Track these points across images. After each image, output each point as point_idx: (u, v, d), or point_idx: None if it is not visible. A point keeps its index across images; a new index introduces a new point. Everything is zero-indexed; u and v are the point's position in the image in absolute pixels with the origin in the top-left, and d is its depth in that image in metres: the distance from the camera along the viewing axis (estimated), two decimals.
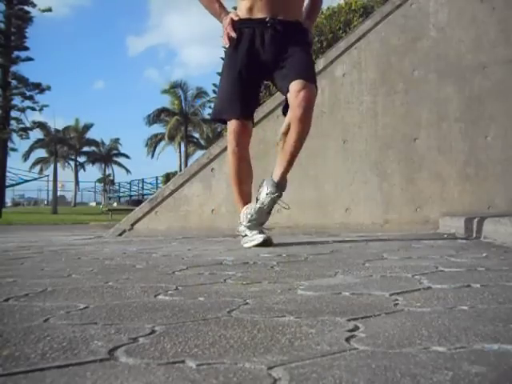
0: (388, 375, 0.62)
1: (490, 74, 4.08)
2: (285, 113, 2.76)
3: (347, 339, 0.79)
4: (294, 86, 2.59)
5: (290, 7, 2.74)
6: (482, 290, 1.22)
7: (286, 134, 2.66)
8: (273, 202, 2.68)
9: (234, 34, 2.73)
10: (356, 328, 0.87)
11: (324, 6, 8.36)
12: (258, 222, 2.69)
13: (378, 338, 0.80)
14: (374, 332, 0.84)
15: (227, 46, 2.80)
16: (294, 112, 2.59)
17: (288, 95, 2.64)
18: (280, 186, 2.68)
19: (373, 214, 4.03)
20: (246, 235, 2.72)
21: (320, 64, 4.16)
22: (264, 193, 2.69)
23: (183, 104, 41.61)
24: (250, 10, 2.73)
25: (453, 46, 4.15)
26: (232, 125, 2.78)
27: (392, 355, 0.71)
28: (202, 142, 41.94)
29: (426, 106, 4.11)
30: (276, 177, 2.68)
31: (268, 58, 2.72)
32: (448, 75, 4.12)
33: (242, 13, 2.76)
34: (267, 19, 2.69)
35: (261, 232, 2.67)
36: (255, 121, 4.12)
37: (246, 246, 2.64)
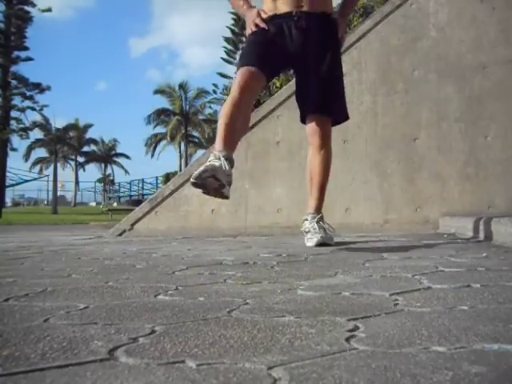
0: (388, 375, 0.62)
1: (490, 74, 4.08)
2: (302, 121, 2.87)
3: (347, 339, 0.79)
4: (310, 119, 2.76)
5: None
6: (482, 290, 1.22)
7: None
8: (321, 224, 2.72)
9: (263, 25, 2.67)
10: (356, 328, 0.87)
11: None
12: (315, 237, 2.66)
13: (378, 337, 0.80)
14: (374, 332, 0.84)
15: (252, 31, 2.71)
16: (313, 142, 2.77)
17: (306, 122, 2.79)
18: (319, 213, 2.77)
19: (373, 214, 4.03)
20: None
21: None
22: (308, 223, 2.73)
23: (183, 104, 41.63)
24: (275, 1, 2.70)
25: (453, 46, 4.15)
26: (246, 71, 2.58)
27: (392, 355, 0.71)
28: (203, 141, 41.95)
29: (425, 106, 4.11)
30: (312, 209, 2.76)
31: (295, 50, 2.68)
32: (448, 75, 4.12)
33: (268, 5, 2.73)
34: (294, 13, 2.66)
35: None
36: (254, 121, 4.15)
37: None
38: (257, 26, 2.70)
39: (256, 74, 2.56)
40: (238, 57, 2.86)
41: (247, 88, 2.54)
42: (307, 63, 2.73)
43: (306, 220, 2.76)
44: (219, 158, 2.23)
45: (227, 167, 2.22)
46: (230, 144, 2.41)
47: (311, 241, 2.65)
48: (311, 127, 2.76)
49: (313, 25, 2.68)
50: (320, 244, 2.60)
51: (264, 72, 2.61)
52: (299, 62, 2.74)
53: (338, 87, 2.82)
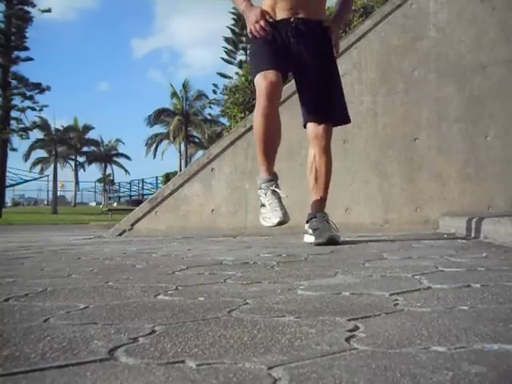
0: (388, 375, 0.62)
1: (490, 74, 4.08)
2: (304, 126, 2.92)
3: (347, 339, 0.79)
4: (313, 125, 2.82)
5: (310, 5, 2.76)
6: (482, 289, 1.22)
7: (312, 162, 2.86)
8: (328, 222, 2.79)
9: (268, 29, 2.71)
10: (356, 328, 0.86)
11: None
12: (325, 234, 2.68)
13: (378, 338, 0.80)
14: (373, 332, 0.84)
15: (257, 37, 2.74)
16: (318, 144, 2.82)
17: (307, 127, 2.87)
18: (324, 212, 2.84)
19: (373, 214, 4.02)
20: (263, 205, 2.84)
21: None
22: (316, 221, 2.78)
23: (184, 104, 41.63)
24: (273, 7, 2.74)
25: (453, 46, 4.15)
26: (267, 75, 2.59)
27: (392, 355, 0.71)
28: (203, 141, 41.94)
29: (425, 106, 4.11)
30: (320, 209, 2.84)
31: (294, 57, 2.75)
32: (448, 75, 4.11)
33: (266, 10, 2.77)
34: (292, 19, 2.72)
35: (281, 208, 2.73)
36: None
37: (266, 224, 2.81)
38: (262, 28, 2.71)
39: (276, 76, 2.60)
40: (249, 58, 2.91)
41: (273, 94, 2.61)
42: (306, 72, 2.79)
43: (314, 218, 2.79)
44: (274, 192, 2.77)
45: (282, 195, 2.78)
46: (272, 165, 2.84)
47: (321, 237, 2.66)
48: (315, 132, 2.82)
49: (309, 32, 2.74)
50: (330, 241, 2.62)
51: (281, 71, 2.65)
52: (298, 68, 2.80)
53: (338, 94, 2.86)
